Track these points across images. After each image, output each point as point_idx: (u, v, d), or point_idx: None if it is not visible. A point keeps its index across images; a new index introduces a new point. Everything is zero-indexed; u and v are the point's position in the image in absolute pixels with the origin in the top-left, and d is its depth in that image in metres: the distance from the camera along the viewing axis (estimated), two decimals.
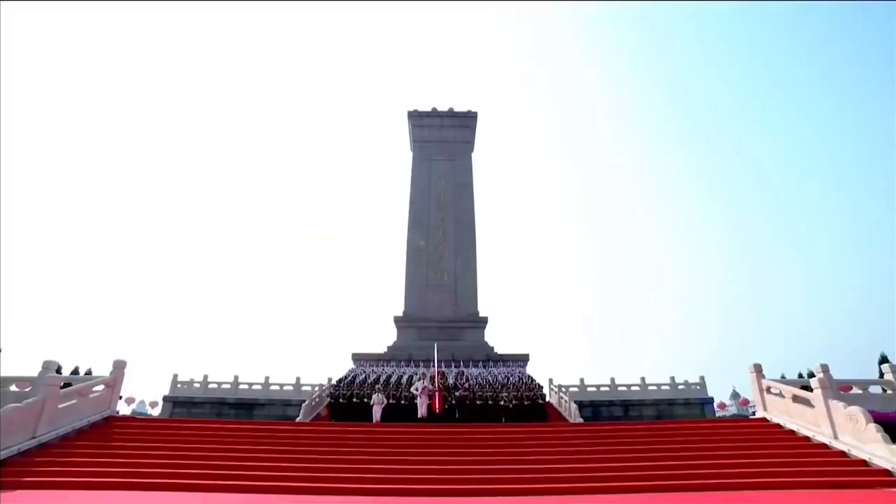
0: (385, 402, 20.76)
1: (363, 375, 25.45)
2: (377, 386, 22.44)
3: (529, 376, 26.73)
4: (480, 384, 23.42)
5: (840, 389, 15.13)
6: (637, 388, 28.77)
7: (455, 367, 28.29)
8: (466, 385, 22.26)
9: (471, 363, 30.65)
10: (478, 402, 20.85)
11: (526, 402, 20.87)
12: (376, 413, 19.73)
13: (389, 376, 25.24)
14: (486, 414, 20.48)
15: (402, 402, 21.09)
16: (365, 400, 20.77)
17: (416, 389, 20.20)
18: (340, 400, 21.48)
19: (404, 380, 23.99)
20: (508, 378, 25.23)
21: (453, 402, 20.42)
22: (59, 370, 27.69)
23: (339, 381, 24.35)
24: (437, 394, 19.50)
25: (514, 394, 21.38)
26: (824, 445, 12.98)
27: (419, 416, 19.23)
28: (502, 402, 20.88)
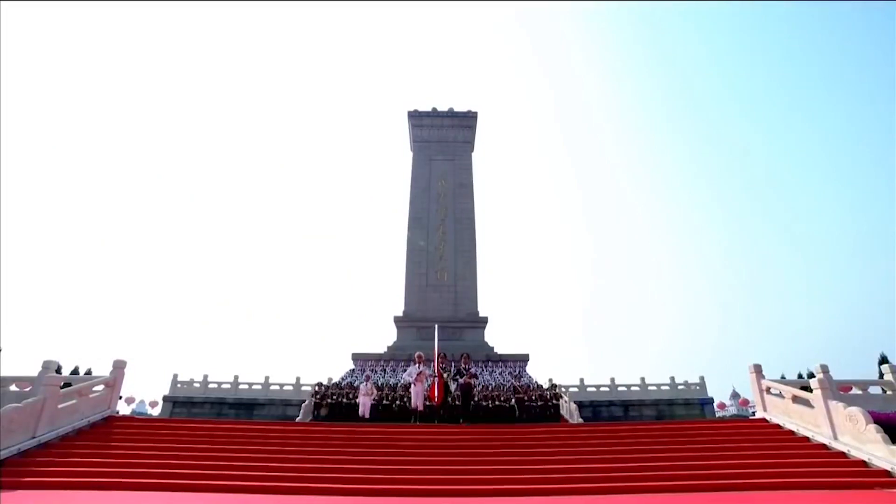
0: (374, 392, 19.12)
1: (357, 382, 24.98)
2: (366, 374, 20.92)
3: (537, 382, 26.66)
4: (485, 385, 22.92)
5: (840, 390, 15.14)
6: (637, 388, 28.82)
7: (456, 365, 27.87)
8: (472, 370, 19.09)
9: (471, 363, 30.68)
10: (483, 403, 19.36)
11: (539, 404, 20.01)
12: (364, 405, 18.05)
13: (384, 383, 24.25)
14: (497, 416, 19.02)
15: (397, 401, 19.54)
16: (356, 401, 18.97)
17: (410, 375, 17.30)
18: (327, 401, 20.19)
19: (402, 377, 22.21)
20: (517, 380, 25.08)
21: (458, 392, 17.80)
22: (58, 370, 27.71)
23: (326, 385, 23.50)
24: (436, 380, 16.61)
25: (528, 395, 20.62)
26: (824, 446, 12.99)
27: (413, 406, 16.92)
28: (514, 403, 19.71)
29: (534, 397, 20.45)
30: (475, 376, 18.81)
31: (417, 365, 17.51)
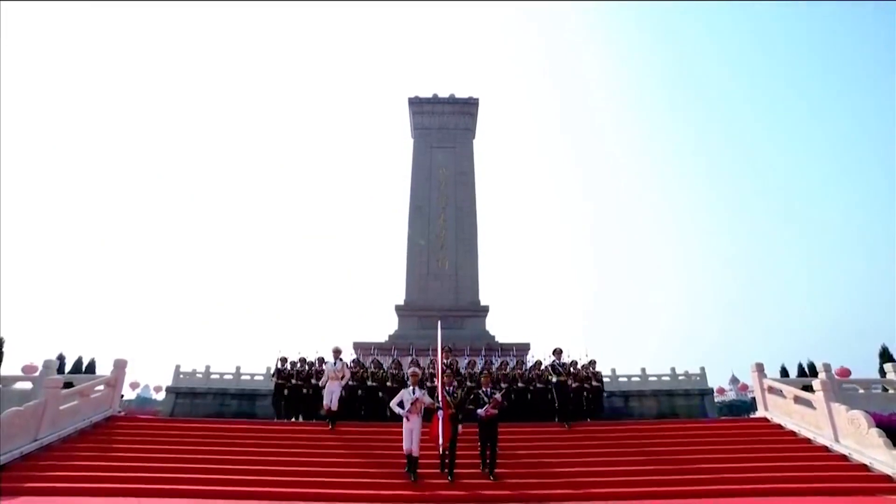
0: (347, 374, 15.11)
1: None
2: (335, 347, 15.56)
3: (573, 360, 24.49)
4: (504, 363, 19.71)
5: (837, 373, 15.19)
6: (637, 378, 28.85)
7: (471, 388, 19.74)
8: (497, 395, 11.74)
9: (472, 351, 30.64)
10: (501, 387, 15.76)
11: (574, 385, 16.33)
12: (331, 393, 14.36)
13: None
14: (520, 408, 15.82)
15: (388, 382, 16.38)
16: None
17: (403, 405, 11.19)
18: (292, 382, 16.73)
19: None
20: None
21: (462, 420, 11.26)
22: (61, 364, 27.78)
23: (293, 362, 17.98)
24: (441, 413, 10.92)
25: (577, 371, 17.00)
26: (825, 448, 12.98)
27: (405, 451, 10.89)
28: (553, 388, 15.62)
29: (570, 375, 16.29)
30: (500, 403, 11.63)
31: (412, 388, 11.47)
